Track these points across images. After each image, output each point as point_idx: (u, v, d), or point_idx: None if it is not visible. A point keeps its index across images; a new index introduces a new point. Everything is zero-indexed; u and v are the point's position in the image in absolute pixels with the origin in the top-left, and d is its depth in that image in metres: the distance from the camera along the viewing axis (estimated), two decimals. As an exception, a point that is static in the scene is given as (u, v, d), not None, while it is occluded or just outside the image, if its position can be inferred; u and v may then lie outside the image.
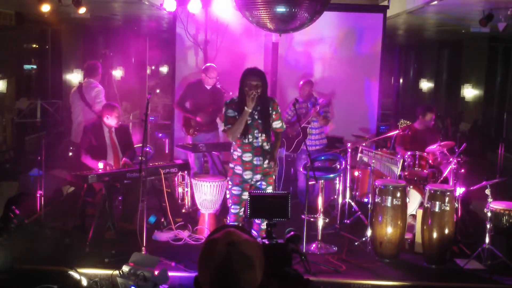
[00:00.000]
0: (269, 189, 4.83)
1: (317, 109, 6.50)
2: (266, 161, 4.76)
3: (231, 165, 4.85)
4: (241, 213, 4.88)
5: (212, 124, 6.77)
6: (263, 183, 4.81)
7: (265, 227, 4.82)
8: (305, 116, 6.59)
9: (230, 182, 4.85)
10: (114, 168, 5.71)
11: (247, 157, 4.74)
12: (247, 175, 4.77)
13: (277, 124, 4.86)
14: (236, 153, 4.78)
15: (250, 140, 4.72)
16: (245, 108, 4.60)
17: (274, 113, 4.81)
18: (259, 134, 4.73)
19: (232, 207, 4.84)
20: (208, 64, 6.75)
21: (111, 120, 5.87)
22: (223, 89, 6.67)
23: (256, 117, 4.73)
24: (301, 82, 6.87)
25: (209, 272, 1.68)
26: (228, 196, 4.93)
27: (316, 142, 6.76)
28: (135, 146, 6.31)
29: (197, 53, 7.70)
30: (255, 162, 4.75)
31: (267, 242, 3.57)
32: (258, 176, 4.79)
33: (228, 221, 4.92)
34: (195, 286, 1.74)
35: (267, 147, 4.78)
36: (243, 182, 4.78)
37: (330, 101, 6.67)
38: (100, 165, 5.58)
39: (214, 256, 1.68)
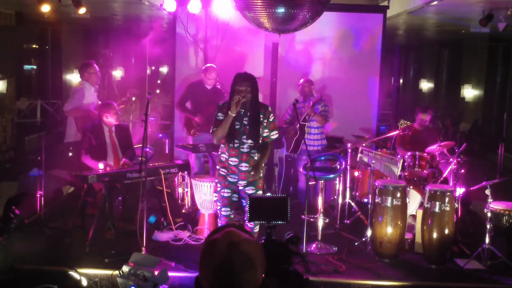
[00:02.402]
0: (259, 193, 4.79)
1: (310, 104, 6.50)
2: (251, 170, 4.68)
3: (217, 166, 4.82)
4: (232, 215, 4.86)
5: None
6: (252, 187, 4.72)
7: (258, 231, 4.83)
8: (300, 115, 6.59)
9: (218, 185, 4.79)
10: (114, 168, 5.71)
11: (233, 161, 4.70)
12: (232, 178, 4.73)
13: (266, 133, 4.72)
14: (224, 156, 4.75)
15: (237, 145, 4.66)
16: (229, 112, 4.57)
17: (265, 120, 4.69)
18: (247, 140, 4.66)
19: (223, 209, 4.79)
20: (208, 65, 6.77)
21: (110, 119, 5.89)
22: (223, 89, 6.68)
23: (246, 122, 4.66)
24: (301, 81, 6.87)
25: (210, 272, 1.68)
26: (216, 198, 4.88)
27: (315, 143, 6.75)
28: (135, 146, 6.32)
29: (197, 53, 7.70)
30: (240, 168, 4.69)
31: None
32: (243, 182, 4.72)
33: (219, 224, 4.87)
34: (196, 287, 1.74)
35: (254, 155, 4.70)
36: (232, 184, 4.75)
37: (320, 97, 6.62)
38: (101, 165, 5.58)
39: (215, 256, 1.68)
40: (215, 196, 4.91)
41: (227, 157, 4.71)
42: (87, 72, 6.51)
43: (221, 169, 4.76)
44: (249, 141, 4.66)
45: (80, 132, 6.32)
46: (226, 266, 1.66)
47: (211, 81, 6.63)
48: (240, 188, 4.76)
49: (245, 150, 4.67)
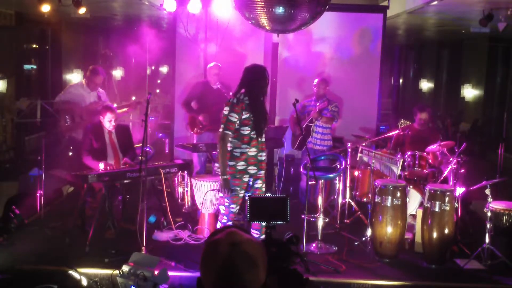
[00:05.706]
0: (261, 185, 4.86)
1: (317, 109, 6.53)
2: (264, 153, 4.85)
3: (231, 162, 4.73)
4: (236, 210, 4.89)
5: (217, 123, 6.79)
6: (259, 181, 4.82)
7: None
8: (308, 114, 6.63)
9: (237, 188, 4.75)
10: (114, 168, 5.70)
11: (262, 156, 4.77)
12: (252, 170, 4.75)
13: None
14: (239, 150, 4.71)
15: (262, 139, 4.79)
16: (223, 179, 4.66)
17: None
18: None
19: (232, 206, 4.80)
20: (211, 64, 6.82)
21: (105, 122, 5.84)
22: (223, 89, 6.68)
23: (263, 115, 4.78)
24: (316, 80, 6.83)
25: (213, 273, 1.68)
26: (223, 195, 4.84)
27: (321, 142, 6.76)
28: (135, 146, 6.31)
29: (197, 53, 7.70)
30: (259, 158, 4.78)
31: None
32: (262, 172, 4.82)
33: (226, 221, 4.86)
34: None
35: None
36: (242, 183, 4.74)
37: (327, 105, 6.62)
38: (101, 165, 5.57)
39: (217, 257, 1.67)
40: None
41: (255, 152, 4.72)
42: (92, 82, 6.58)
43: (238, 163, 4.69)
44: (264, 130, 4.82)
45: (63, 126, 6.34)
46: (229, 266, 1.65)
47: (213, 77, 6.70)
48: (257, 182, 4.82)
49: (264, 139, 4.80)
